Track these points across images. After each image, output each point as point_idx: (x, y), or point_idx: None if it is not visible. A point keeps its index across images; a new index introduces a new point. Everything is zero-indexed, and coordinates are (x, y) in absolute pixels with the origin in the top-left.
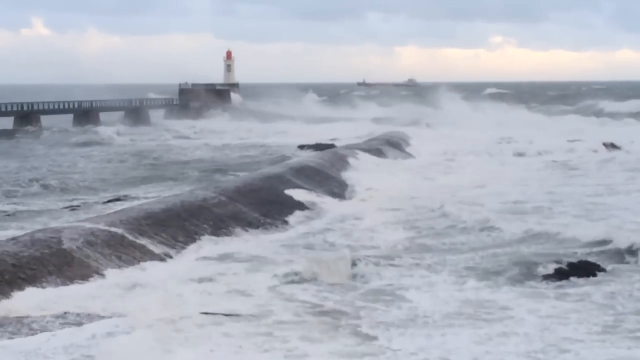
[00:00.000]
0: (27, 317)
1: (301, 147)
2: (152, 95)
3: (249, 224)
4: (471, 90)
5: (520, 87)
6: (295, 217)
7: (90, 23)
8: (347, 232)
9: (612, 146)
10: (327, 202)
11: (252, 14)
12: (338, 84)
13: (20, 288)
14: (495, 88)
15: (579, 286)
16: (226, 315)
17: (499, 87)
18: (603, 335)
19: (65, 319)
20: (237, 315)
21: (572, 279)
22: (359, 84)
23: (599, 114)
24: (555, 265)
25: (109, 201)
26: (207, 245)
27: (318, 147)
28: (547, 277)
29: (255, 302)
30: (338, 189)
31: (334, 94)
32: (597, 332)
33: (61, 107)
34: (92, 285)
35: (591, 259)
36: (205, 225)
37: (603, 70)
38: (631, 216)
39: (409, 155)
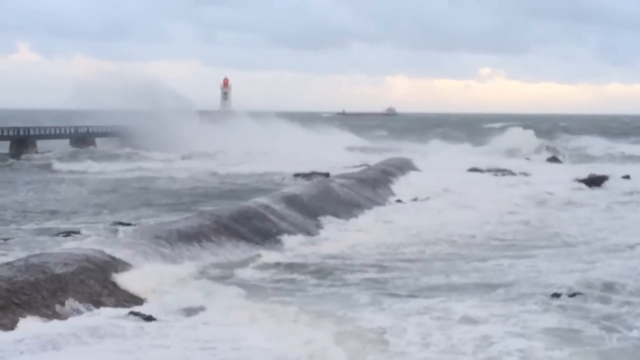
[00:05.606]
0: None
1: (296, 175)
2: None
3: None
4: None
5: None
6: None
7: (76, 48)
8: None
9: None
10: None
11: (237, 42)
12: (326, 112)
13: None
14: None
15: None
16: None
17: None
18: None
19: None
20: None
21: None
22: (338, 114)
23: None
24: None
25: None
26: None
27: (312, 175)
28: None
29: None
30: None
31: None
32: None
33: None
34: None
35: None
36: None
37: (595, 103)
38: None
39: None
